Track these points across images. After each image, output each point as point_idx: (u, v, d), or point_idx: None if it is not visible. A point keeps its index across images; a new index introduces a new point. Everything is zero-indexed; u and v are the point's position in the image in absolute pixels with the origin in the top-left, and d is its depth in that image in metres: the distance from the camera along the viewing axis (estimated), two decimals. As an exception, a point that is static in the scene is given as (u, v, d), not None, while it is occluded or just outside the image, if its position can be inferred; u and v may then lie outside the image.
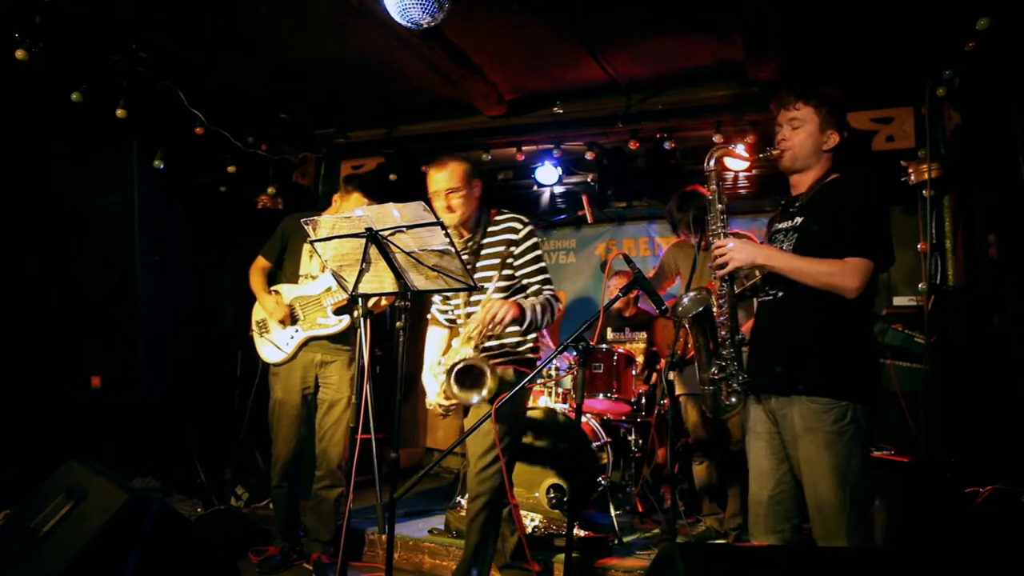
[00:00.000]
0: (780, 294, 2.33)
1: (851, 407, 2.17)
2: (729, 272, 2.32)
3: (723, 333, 2.37)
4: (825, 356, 2.23)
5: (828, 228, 2.24)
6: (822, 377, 2.20)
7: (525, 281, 2.93)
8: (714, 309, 2.42)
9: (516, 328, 2.80)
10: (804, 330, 2.26)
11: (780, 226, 2.44)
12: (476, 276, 2.85)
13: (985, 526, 2.71)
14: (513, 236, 2.91)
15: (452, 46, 3.78)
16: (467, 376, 2.72)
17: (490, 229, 2.95)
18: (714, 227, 2.41)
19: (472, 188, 2.90)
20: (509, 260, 2.91)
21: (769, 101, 2.45)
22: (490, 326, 2.69)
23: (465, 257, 2.87)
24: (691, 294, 2.47)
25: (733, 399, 2.37)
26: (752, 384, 2.35)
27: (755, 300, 2.52)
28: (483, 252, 2.93)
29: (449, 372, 2.72)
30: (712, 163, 2.43)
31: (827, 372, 2.21)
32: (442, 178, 2.86)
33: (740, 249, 2.28)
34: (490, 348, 2.91)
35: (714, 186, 2.42)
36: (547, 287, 2.94)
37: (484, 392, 2.68)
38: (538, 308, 2.81)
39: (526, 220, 2.97)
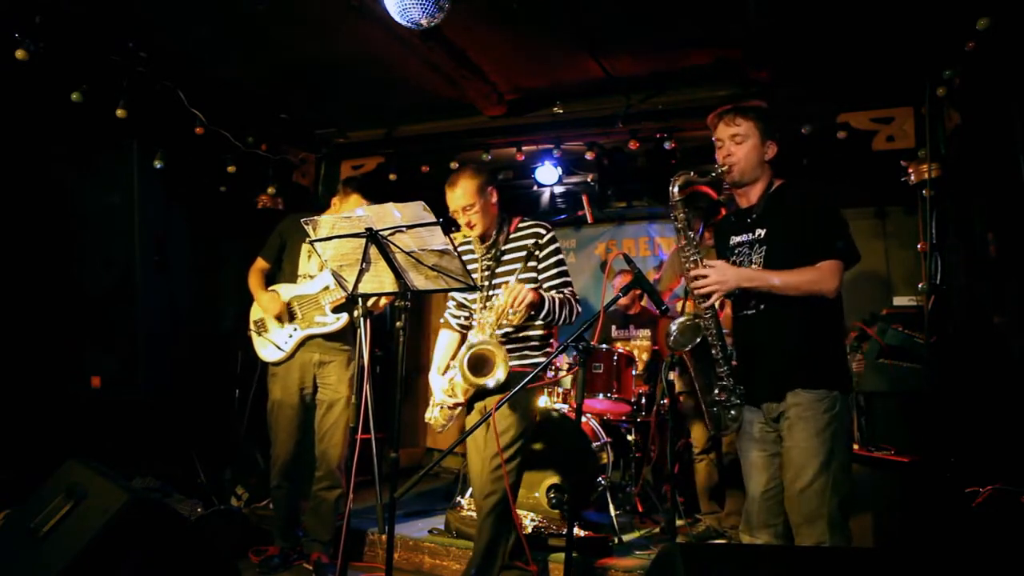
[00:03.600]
0: (762, 307, 2.39)
1: (839, 397, 2.27)
2: (715, 302, 2.36)
3: (715, 352, 2.41)
4: (812, 356, 2.32)
5: (795, 236, 2.33)
6: (813, 374, 2.29)
7: (546, 284, 2.99)
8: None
9: (534, 317, 2.87)
10: (790, 337, 2.34)
11: (738, 239, 2.50)
12: (496, 282, 2.94)
13: (985, 526, 2.71)
14: (538, 240, 2.98)
15: (452, 46, 3.78)
16: (479, 363, 2.80)
17: (512, 236, 3.03)
18: (686, 255, 2.42)
19: (488, 198, 2.97)
20: (532, 261, 2.97)
21: (721, 114, 2.47)
22: (513, 305, 2.77)
23: (487, 263, 2.99)
24: (679, 322, 2.42)
25: (733, 412, 2.42)
26: (749, 395, 2.42)
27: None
28: (504, 258, 2.99)
29: (462, 360, 2.80)
30: (676, 191, 2.41)
31: (817, 369, 2.29)
32: (456, 197, 2.95)
33: (722, 277, 2.31)
34: (509, 340, 2.96)
35: (680, 214, 2.42)
36: (568, 288, 3.01)
37: (499, 374, 2.74)
38: (556, 302, 2.90)
39: (549, 226, 3.05)
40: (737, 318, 2.51)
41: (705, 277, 2.32)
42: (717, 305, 2.41)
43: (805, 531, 2.22)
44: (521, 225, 3.06)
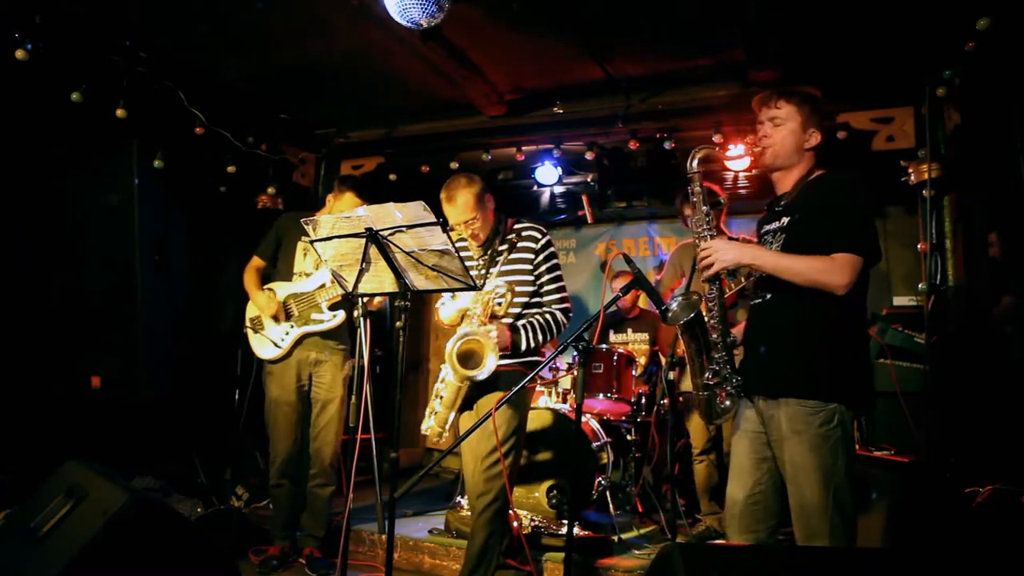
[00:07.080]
0: (769, 296, 2.30)
1: (838, 410, 2.14)
2: (715, 273, 2.27)
3: (714, 336, 2.34)
4: (814, 359, 2.19)
5: (816, 226, 2.21)
6: (811, 380, 2.17)
7: (547, 298, 3.04)
8: (704, 313, 2.37)
9: (508, 353, 2.93)
10: (794, 332, 2.23)
11: (768, 227, 2.41)
12: (491, 283, 2.97)
13: (985, 526, 2.71)
14: (533, 245, 3.02)
15: (452, 46, 3.78)
16: (468, 355, 2.86)
17: (508, 237, 3.05)
18: (699, 229, 2.37)
19: (486, 207, 3.00)
20: (528, 268, 3.00)
21: (764, 96, 2.39)
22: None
23: (481, 261, 3.03)
24: (679, 299, 2.38)
25: (727, 403, 2.33)
26: (744, 387, 2.33)
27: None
28: (499, 259, 3.02)
29: (451, 354, 2.83)
30: (695, 164, 2.38)
31: (816, 375, 2.17)
32: (456, 212, 2.95)
33: (726, 249, 2.24)
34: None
35: (697, 187, 2.37)
36: (558, 298, 3.05)
37: (488, 365, 2.79)
38: (538, 332, 2.97)
39: (544, 230, 3.08)
40: (750, 306, 2.43)
41: (707, 249, 2.27)
42: (726, 299, 2.36)
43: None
44: (517, 227, 3.09)
